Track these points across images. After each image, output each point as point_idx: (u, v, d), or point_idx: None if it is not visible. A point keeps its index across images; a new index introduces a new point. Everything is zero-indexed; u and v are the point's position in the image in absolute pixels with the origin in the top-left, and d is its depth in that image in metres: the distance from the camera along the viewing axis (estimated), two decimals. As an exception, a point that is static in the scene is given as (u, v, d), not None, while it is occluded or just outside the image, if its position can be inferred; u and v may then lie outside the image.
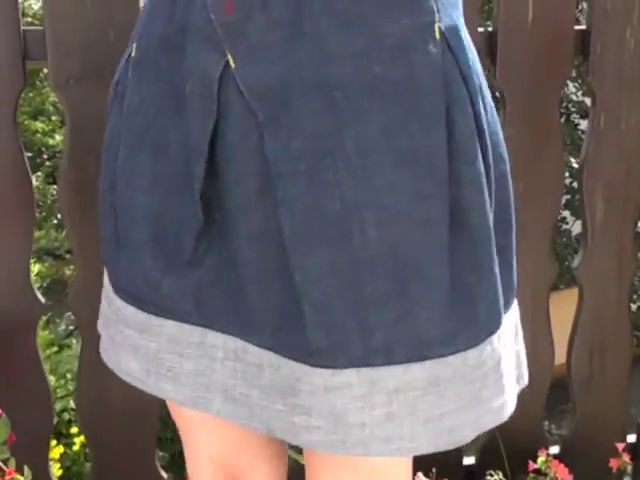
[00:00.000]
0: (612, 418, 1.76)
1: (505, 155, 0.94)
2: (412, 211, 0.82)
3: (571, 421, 1.77)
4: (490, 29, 1.56)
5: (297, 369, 0.87)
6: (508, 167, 0.94)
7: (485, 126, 0.88)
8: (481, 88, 0.89)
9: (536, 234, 1.64)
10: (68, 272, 6.38)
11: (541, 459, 1.53)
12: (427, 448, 0.88)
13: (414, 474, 1.54)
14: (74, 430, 3.48)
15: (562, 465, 1.51)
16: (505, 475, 1.54)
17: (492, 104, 0.93)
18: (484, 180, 0.86)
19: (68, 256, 6.43)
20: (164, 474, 1.67)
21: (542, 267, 1.66)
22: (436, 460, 1.63)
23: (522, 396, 1.70)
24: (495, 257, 0.88)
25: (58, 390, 3.73)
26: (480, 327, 0.87)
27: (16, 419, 1.31)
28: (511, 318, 0.95)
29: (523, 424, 1.71)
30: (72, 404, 3.72)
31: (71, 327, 5.13)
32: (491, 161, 0.88)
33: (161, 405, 1.60)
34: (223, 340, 0.93)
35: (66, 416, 3.65)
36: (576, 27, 1.58)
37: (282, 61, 0.82)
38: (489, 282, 0.87)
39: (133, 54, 0.95)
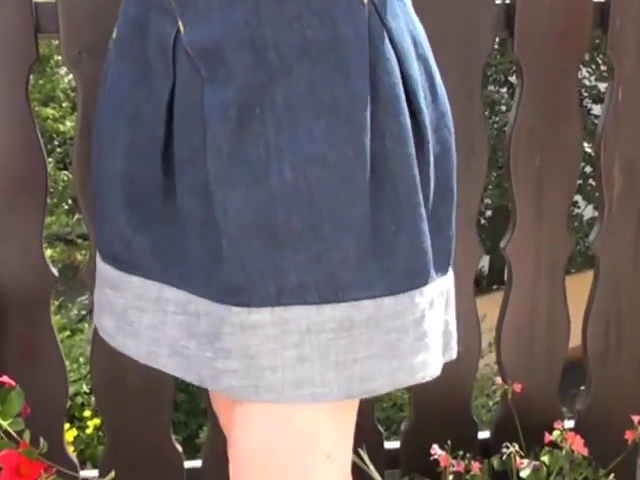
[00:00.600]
0: (628, 391, 1.74)
1: (450, 126, 0.97)
2: (328, 155, 0.86)
3: (586, 394, 1.76)
4: (508, 1, 1.55)
5: (222, 311, 0.89)
6: (453, 138, 0.98)
7: (418, 90, 0.92)
8: (422, 58, 0.94)
9: (553, 208, 1.63)
10: (80, 257, 6.42)
11: (556, 432, 1.52)
12: (338, 395, 0.89)
13: (429, 446, 1.55)
14: (87, 413, 3.50)
15: (578, 437, 1.50)
16: (521, 448, 1.53)
17: (441, 83, 0.98)
18: (409, 135, 0.89)
19: (79, 241, 6.48)
20: (180, 448, 1.67)
21: (559, 241, 1.65)
22: (451, 433, 1.63)
23: (538, 369, 1.71)
24: (422, 213, 0.91)
25: (71, 374, 3.74)
26: (398, 277, 0.89)
27: (31, 392, 1.31)
28: (443, 284, 0.98)
29: (538, 398, 1.71)
30: (85, 388, 3.75)
31: (83, 312, 5.16)
32: (426, 123, 0.92)
33: (175, 383, 1.60)
34: (175, 294, 0.96)
35: (79, 400, 3.68)
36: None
37: (221, 23, 0.88)
38: (410, 235, 0.90)
39: (114, 36, 1.02)
